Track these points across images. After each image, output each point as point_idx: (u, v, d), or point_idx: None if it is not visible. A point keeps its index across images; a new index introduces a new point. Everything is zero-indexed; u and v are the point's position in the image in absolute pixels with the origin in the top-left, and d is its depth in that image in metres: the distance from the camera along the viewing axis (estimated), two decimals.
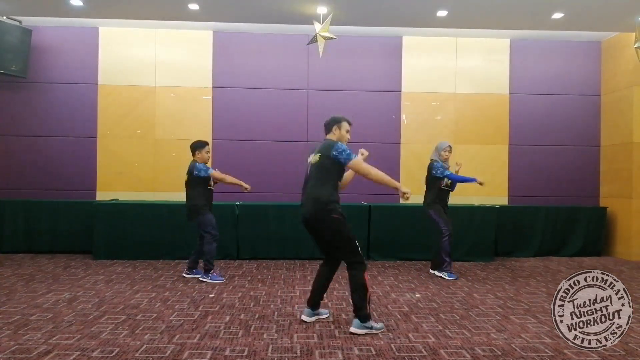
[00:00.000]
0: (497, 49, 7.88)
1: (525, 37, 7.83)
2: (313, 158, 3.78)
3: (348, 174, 3.98)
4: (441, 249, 5.67)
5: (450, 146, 5.83)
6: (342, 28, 7.14)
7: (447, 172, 5.69)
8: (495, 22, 6.92)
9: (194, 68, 7.64)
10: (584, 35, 7.67)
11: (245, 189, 5.36)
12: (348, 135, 3.89)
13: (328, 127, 3.89)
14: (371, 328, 3.63)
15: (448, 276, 5.65)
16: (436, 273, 5.80)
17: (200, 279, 5.37)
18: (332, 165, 3.68)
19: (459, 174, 5.88)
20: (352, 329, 3.63)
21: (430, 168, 5.80)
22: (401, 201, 3.70)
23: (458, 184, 5.94)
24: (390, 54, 7.79)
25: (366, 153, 3.94)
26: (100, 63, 7.55)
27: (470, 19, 6.78)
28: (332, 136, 3.86)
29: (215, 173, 5.33)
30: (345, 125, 3.87)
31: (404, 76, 7.80)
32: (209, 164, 5.58)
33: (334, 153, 3.65)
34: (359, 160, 3.69)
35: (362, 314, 3.62)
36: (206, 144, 5.48)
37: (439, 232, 5.68)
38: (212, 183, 5.46)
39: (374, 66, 7.79)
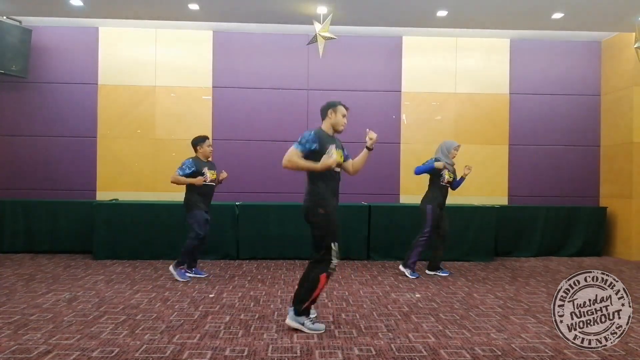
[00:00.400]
0: (497, 49, 7.88)
1: (525, 37, 7.83)
2: None
3: (357, 160, 3.86)
4: (416, 245, 5.65)
5: (459, 145, 5.83)
6: (342, 28, 7.14)
7: (417, 166, 5.75)
8: (495, 22, 6.92)
9: (194, 68, 7.63)
10: (584, 35, 7.67)
11: (203, 180, 5.32)
12: (344, 120, 3.77)
13: (323, 112, 3.78)
14: (303, 324, 3.62)
15: (410, 274, 5.66)
16: (401, 268, 5.78)
17: (170, 268, 5.42)
18: (305, 156, 3.60)
19: (465, 178, 5.88)
20: (287, 320, 3.70)
21: None
22: (325, 160, 3.54)
23: (461, 184, 5.96)
24: (390, 54, 7.79)
25: (374, 136, 3.72)
26: (100, 63, 7.55)
27: (470, 19, 6.78)
28: (327, 122, 3.76)
29: (173, 178, 5.32)
30: (341, 109, 3.75)
31: (404, 76, 7.80)
32: (211, 159, 5.61)
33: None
34: (290, 152, 3.56)
35: (299, 307, 3.63)
36: (206, 138, 5.50)
37: (421, 229, 5.66)
38: (208, 180, 5.40)
39: (374, 66, 7.78)
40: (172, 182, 5.36)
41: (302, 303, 3.62)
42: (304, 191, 3.76)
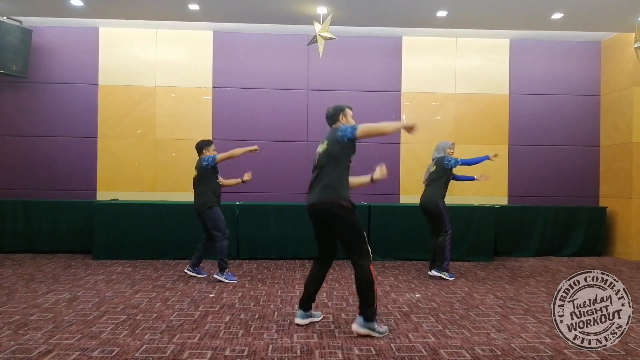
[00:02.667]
0: (497, 49, 7.88)
1: (525, 37, 7.82)
2: (321, 147, 3.72)
3: (355, 180, 3.80)
4: (444, 246, 5.61)
5: (453, 143, 5.90)
6: (342, 28, 7.14)
7: (460, 160, 5.72)
8: (495, 22, 6.93)
9: (194, 68, 7.64)
10: (584, 35, 7.67)
11: (255, 150, 5.35)
12: (353, 121, 3.82)
13: (333, 118, 3.79)
14: (373, 330, 3.52)
15: (449, 276, 5.63)
16: (436, 273, 5.69)
17: (215, 276, 5.37)
18: (341, 150, 3.59)
19: (475, 178, 6.00)
20: (354, 326, 3.54)
21: (442, 161, 5.71)
22: (411, 133, 3.66)
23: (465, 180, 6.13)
24: (390, 54, 7.79)
25: (384, 175, 3.68)
26: (100, 63, 7.55)
27: (470, 19, 6.79)
28: (339, 125, 3.75)
29: (220, 155, 5.32)
30: (349, 111, 3.81)
31: (404, 76, 7.80)
32: None
33: (339, 134, 3.58)
34: (363, 125, 3.55)
35: (368, 311, 3.52)
36: (211, 142, 5.58)
37: (444, 230, 5.62)
38: (221, 177, 5.50)
39: (374, 66, 7.79)
40: (227, 157, 5.28)
41: (372, 305, 3.52)
42: (315, 184, 3.65)
